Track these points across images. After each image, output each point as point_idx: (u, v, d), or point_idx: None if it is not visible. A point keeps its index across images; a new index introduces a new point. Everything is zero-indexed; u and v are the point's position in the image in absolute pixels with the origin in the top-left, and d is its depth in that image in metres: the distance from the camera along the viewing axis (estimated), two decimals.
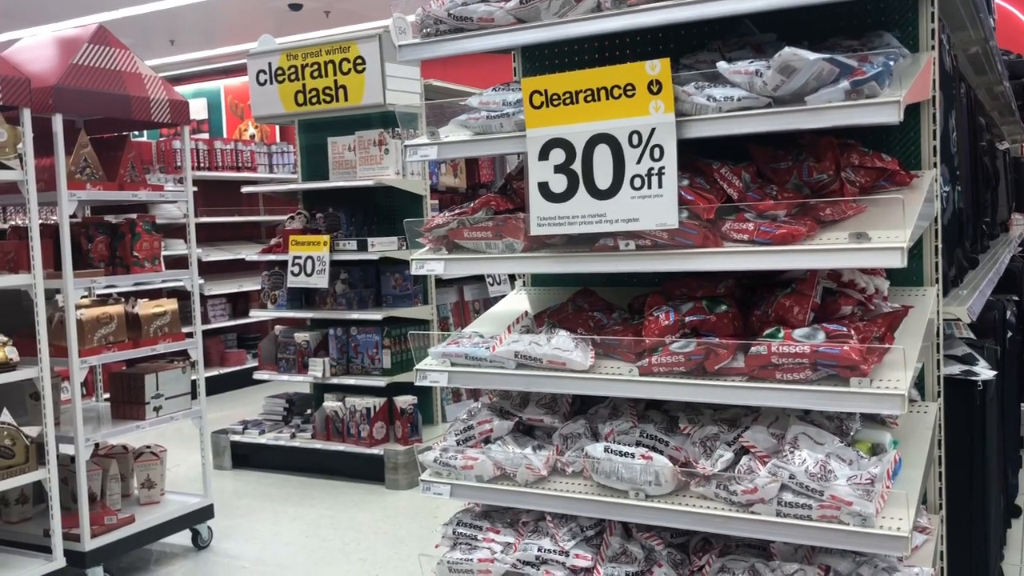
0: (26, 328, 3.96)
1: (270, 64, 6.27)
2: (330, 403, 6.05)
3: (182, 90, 11.34)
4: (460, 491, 2.69)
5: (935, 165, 2.62)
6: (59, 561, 3.96)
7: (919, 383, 2.71)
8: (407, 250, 5.76)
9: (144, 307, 4.49)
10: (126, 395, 4.53)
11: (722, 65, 2.24)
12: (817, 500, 2.15)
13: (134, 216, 4.55)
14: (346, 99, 6.00)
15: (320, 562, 4.62)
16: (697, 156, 2.47)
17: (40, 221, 3.91)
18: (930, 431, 2.55)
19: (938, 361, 2.71)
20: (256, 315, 6.73)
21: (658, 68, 2.24)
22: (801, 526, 2.18)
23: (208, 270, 8.94)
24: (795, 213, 2.31)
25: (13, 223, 7.34)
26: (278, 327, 6.59)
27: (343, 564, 4.58)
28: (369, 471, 5.82)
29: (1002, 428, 3.82)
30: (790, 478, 2.18)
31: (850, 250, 2.15)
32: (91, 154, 4.28)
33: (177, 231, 8.23)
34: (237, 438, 6.38)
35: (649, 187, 2.30)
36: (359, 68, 5.91)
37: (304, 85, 6.15)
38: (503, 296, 3.32)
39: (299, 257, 6.00)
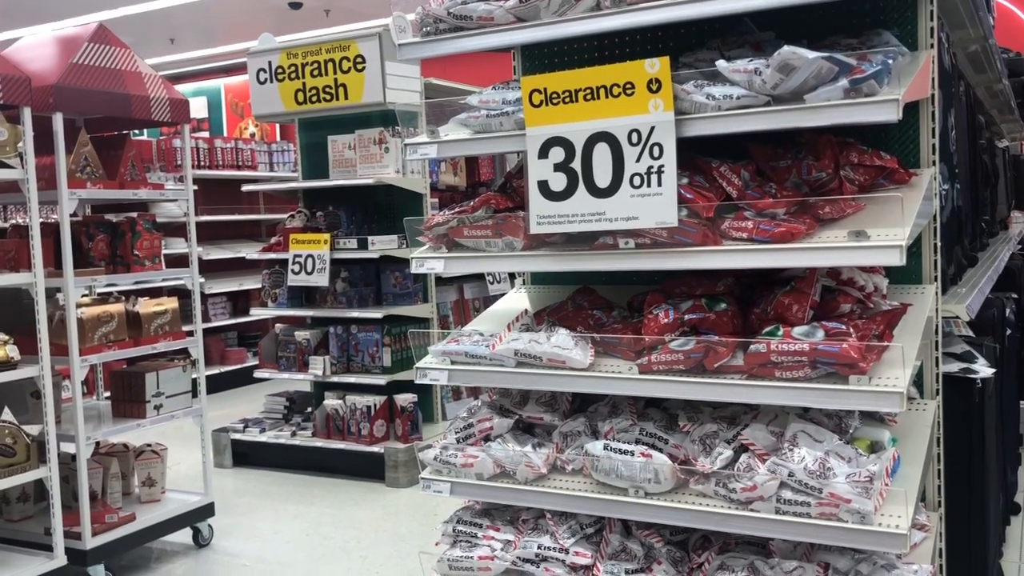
0: (27, 327, 3.96)
1: (270, 63, 6.27)
2: (330, 401, 6.06)
3: (182, 89, 11.32)
4: (460, 489, 2.70)
5: (934, 163, 2.62)
6: (60, 559, 3.97)
7: (918, 381, 2.72)
8: (407, 248, 5.80)
9: (145, 305, 4.49)
10: (127, 393, 4.54)
11: (721, 64, 2.25)
12: (816, 498, 2.15)
13: (134, 215, 4.55)
14: (346, 98, 6.00)
15: (320, 560, 4.63)
16: (696, 154, 2.48)
17: (41, 220, 3.91)
18: (929, 429, 2.56)
19: (937, 359, 2.72)
20: (256, 313, 6.74)
21: (657, 66, 2.24)
22: (800, 523, 2.18)
23: (209, 268, 8.94)
24: (794, 211, 2.31)
25: (14, 222, 7.35)
26: (278, 325, 6.59)
27: (343, 562, 4.59)
28: (369, 469, 5.83)
29: (1001, 426, 3.82)
30: (789, 476, 2.19)
31: (849, 248, 2.15)
32: (91, 153, 4.28)
33: (177, 230, 8.24)
34: (238, 436, 6.38)
35: (648, 185, 2.30)
36: (359, 67, 5.92)
37: (304, 84, 6.15)
38: (503, 294, 3.33)
39: (299, 255, 6.01)
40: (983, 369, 3.11)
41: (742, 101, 2.21)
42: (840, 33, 2.54)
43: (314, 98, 6.13)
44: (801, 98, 2.15)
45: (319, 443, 6.02)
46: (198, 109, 14.16)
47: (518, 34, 2.55)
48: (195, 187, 4.86)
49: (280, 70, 6.23)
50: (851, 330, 2.19)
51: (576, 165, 2.39)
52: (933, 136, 2.63)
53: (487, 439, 2.71)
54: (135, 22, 10.90)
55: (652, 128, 2.28)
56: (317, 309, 6.25)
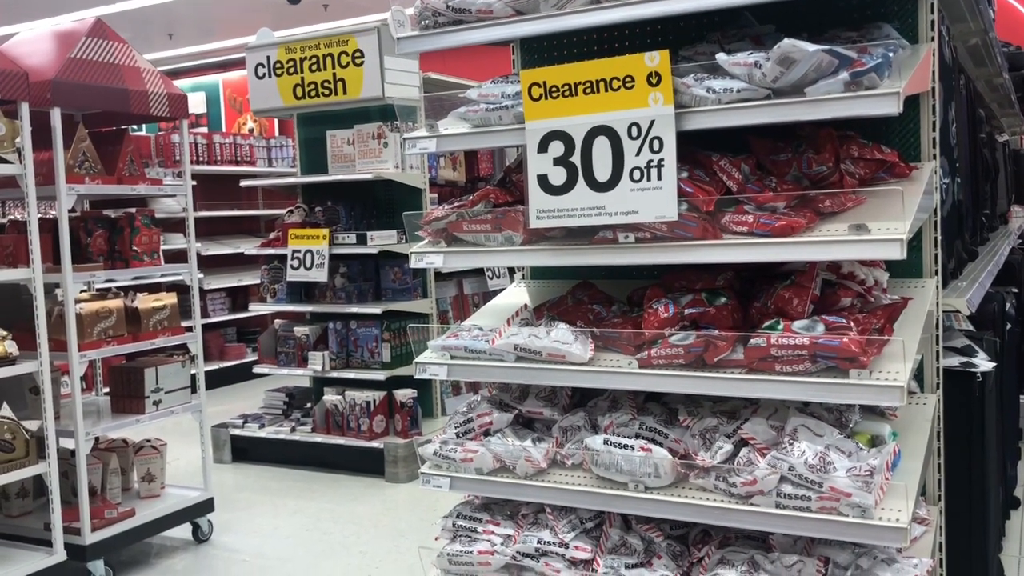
0: (25, 322, 3.96)
1: (268, 57, 6.25)
2: (330, 397, 6.06)
3: (181, 84, 11.29)
4: (460, 484, 2.70)
5: (935, 157, 2.62)
6: (60, 555, 3.97)
7: (918, 375, 2.72)
8: (406, 244, 5.80)
9: (143, 301, 4.49)
10: (126, 389, 4.53)
11: (721, 57, 2.24)
12: (816, 492, 2.15)
13: (133, 210, 4.54)
14: (345, 92, 5.99)
15: (320, 555, 4.63)
16: (696, 148, 2.47)
17: (39, 215, 3.91)
18: (929, 423, 2.56)
19: (937, 353, 2.71)
20: (255, 309, 6.74)
21: (657, 60, 2.24)
22: (800, 518, 2.18)
23: (207, 264, 8.93)
24: (794, 205, 2.31)
25: (12, 217, 7.33)
26: (278, 321, 6.59)
27: (343, 557, 4.59)
28: (369, 464, 5.83)
29: (1001, 420, 3.82)
30: (789, 470, 2.19)
31: (849, 242, 2.14)
32: (89, 148, 4.28)
33: (176, 225, 8.22)
34: (237, 432, 6.38)
35: (648, 179, 2.30)
36: (358, 61, 5.90)
37: (303, 78, 6.13)
38: (502, 290, 3.32)
39: (298, 251, 6.00)
40: (983, 363, 3.10)
41: (742, 94, 2.20)
42: (840, 26, 2.53)
43: (312, 93, 6.12)
44: (801, 91, 2.14)
45: (318, 439, 6.02)
46: (196, 104, 14.13)
47: (517, 27, 2.54)
48: (194, 183, 4.84)
49: (278, 65, 6.22)
50: (851, 324, 2.19)
51: (576, 159, 2.39)
52: (933, 130, 2.62)
53: (487, 434, 2.71)
54: (133, 17, 10.89)
55: (652, 122, 2.27)
56: (316, 304, 6.24)
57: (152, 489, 4.73)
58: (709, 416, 2.45)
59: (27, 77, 3.83)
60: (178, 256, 4.99)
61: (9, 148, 3.80)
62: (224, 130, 14.04)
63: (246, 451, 6.37)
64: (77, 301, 4.18)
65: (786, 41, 2.11)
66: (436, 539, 2.80)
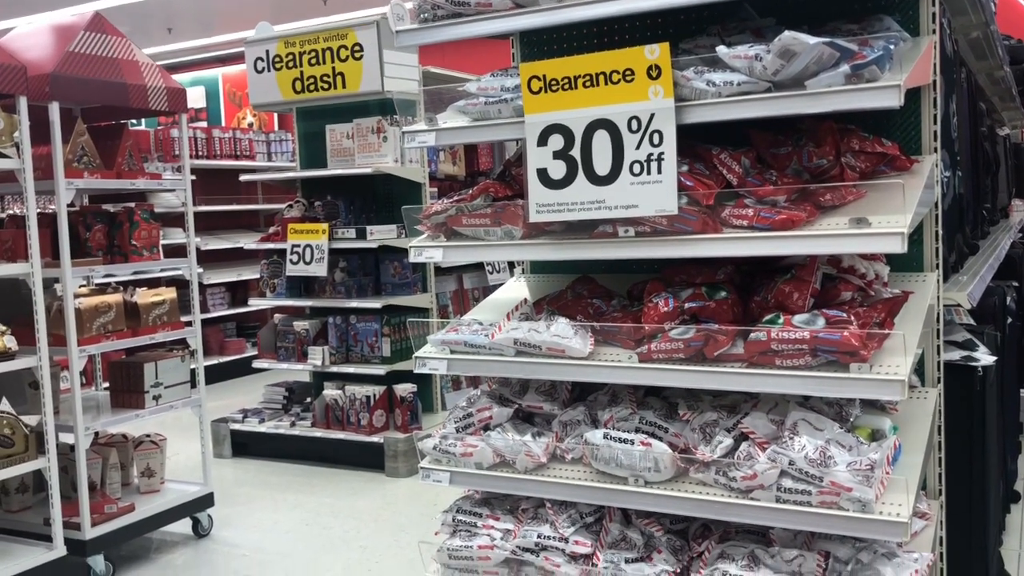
0: (25, 317, 3.95)
1: (268, 51, 6.24)
2: (330, 391, 6.05)
3: (180, 78, 11.26)
4: (460, 478, 2.69)
5: (936, 150, 2.61)
6: (60, 550, 3.97)
7: (919, 369, 2.71)
8: (406, 238, 5.78)
9: (143, 296, 4.48)
10: (125, 384, 4.53)
11: (721, 50, 2.23)
12: (817, 486, 2.15)
13: (132, 205, 4.54)
14: (344, 86, 5.98)
15: (320, 550, 4.63)
16: (696, 142, 2.46)
17: (38, 210, 3.90)
18: (930, 417, 2.55)
19: (938, 347, 2.71)
20: (255, 304, 6.73)
21: (657, 53, 2.23)
22: (801, 512, 2.17)
23: (207, 259, 8.93)
24: (795, 199, 2.30)
25: (11, 212, 7.33)
26: (277, 315, 6.58)
27: (343, 552, 4.59)
28: (369, 459, 5.83)
29: (1001, 414, 3.82)
30: (789, 464, 2.18)
31: (850, 235, 2.14)
32: (88, 142, 4.26)
33: (175, 220, 8.23)
34: (237, 427, 6.38)
35: (648, 173, 2.29)
36: (357, 55, 5.89)
37: (302, 72, 6.12)
38: (502, 284, 3.32)
39: (298, 245, 5.99)
40: (984, 357, 3.10)
41: (742, 87, 2.19)
42: (841, 19, 2.52)
43: (312, 87, 6.11)
44: (802, 84, 2.13)
45: (318, 433, 6.02)
46: (196, 99, 14.10)
47: (517, 20, 2.53)
48: (193, 177, 4.84)
49: (278, 59, 6.20)
50: (852, 318, 2.18)
51: (575, 153, 2.38)
52: (935, 123, 2.61)
53: (486, 428, 2.70)
54: (132, 11, 10.85)
55: (652, 115, 2.26)
56: (316, 299, 6.24)
57: (152, 484, 4.73)
58: (709, 410, 2.44)
59: (25, 71, 3.82)
60: (177, 251, 4.99)
61: (7, 142, 3.79)
62: (223, 125, 14.02)
63: (246, 446, 6.37)
64: (76, 296, 4.17)
65: (787, 34, 2.10)
66: (436, 534, 2.80)
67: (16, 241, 3.94)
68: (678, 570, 2.44)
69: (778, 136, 2.49)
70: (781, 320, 2.23)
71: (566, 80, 2.35)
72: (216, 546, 4.75)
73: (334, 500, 5.40)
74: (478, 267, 6.93)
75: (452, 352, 2.68)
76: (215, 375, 8.54)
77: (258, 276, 6.63)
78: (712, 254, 2.31)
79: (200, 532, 4.84)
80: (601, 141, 2.34)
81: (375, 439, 5.79)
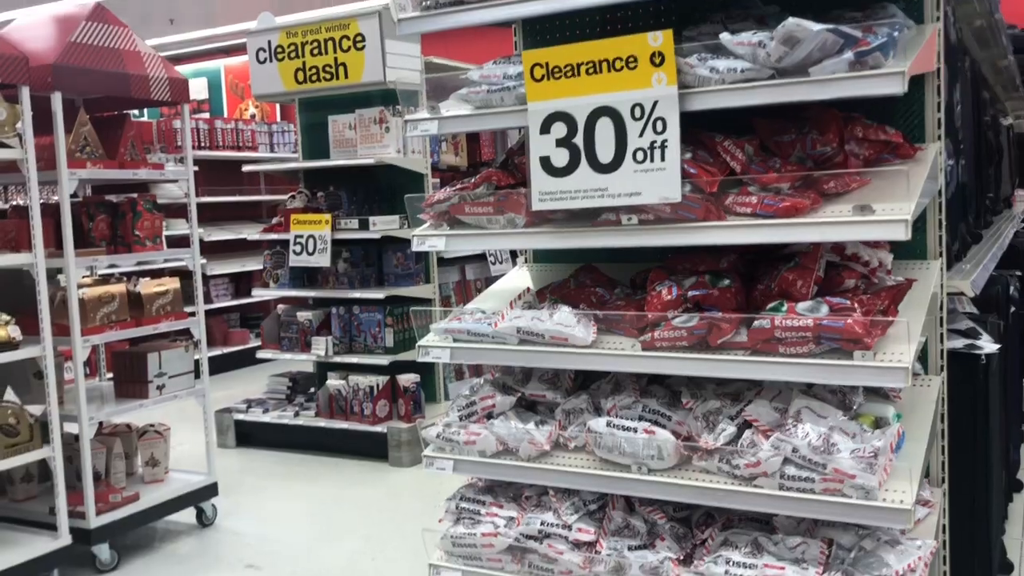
0: (29, 307, 3.96)
1: (270, 42, 6.23)
2: (333, 381, 6.06)
3: (182, 70, 11.24)
4: (463, 466, 2.70)
5: (939, 138, 2.60)
6: (65, 538, 3.99)
7: (922, 357, 2.71)
8: (409, 229, 5.76)
9: (146, 286, 4.49)
10: (129, 374, 4.54)
11: (725, 37, 2.22)
12: (820, 473, 2.15)
13: (135, 195, 4.53)
14: (346, 77, 5.97)
15: (324, 539, 4.64)
16: (700, 129, 2.45)
17: (41, 200, 3.90)
18: (933, 405, 2.55)
19: (941, 335, 2.70)
20: (258, 294, 6.74)
21: (661, 40, 2.22)
22: (804, 499, 2.18)
23: (210, 250, 8.93)
24: (798, 186, 2.29)
25: (14, 203, 7.33)
26: (281, 306, 6.59)
27: (347, 541, 4.60)
28: (372, 449, 5.84)
29: (1004, 403, 3.82)
30: (793, 452, 2.18)
31: (854, 223, 2.13)
32: (91, 133, 4.26)
33: (178, 211, 8.21)
34: (241, 417, 6.40)
35: (651, 160, 2.28)
36: (359, 45, 5.88)
37: (304, 63, 6.11)
38: (505, 275, 3.32)
39: (300, 236, 5.99)
40: (988, 345, 3.10)
41: (746, 74, 2.18)
42: (845, 6, 2.51)
43: (314, 77, 6.10)
44: (806, 71, 2.12)
45: (322, 423, 6.03)
46: (198, 90, 14.07)
47: (519, 7, 2.52)
48: (196, 168, 4.83)
49: (280, 49, 6.19)
50: (856, 305, 2.18)
51: (578, 140, 2.37)
52: (938, 111, 2.60)
53: (490, 416, 2.71)
54: (134, 2, 10.84)
55: (655, 102, 2.26)
56: (319, 290, 6.24)
57: (156, 474, 4.74)
58: (712, 398, 2.44)
59: (27, 61, 3.82)
60: (181, 242, 4.99)
61: (10, 133, 3.79)
62: (226, 116, 14.00)
63: (250, 436, 6.39)
64: (80, 286, 4.18)
65: (790, 20, 2.09)
66: (440, 521, 2.80)
67: (19, 231, 3.94)
68: (681, 557, 2.44)
69: (782, 124, 2.48)
70: (785, 308, 2.23)
71: (569, 67, 2.35)
72: (220, 535, 4.77)
73: (338, 489, 5.41)
74: (481, 258, 6.93)
75: (455, 341, 2.68)
76: (219, 366, 8.56)
77: (261, 267, 6.64)
78: (715, 242, 2.30)
79: (204, 522, 4.86)
80: (604, 128, 2.33)
81: (378, 429, 5.80)
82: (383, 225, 5.85)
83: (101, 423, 4.66)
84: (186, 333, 4.76)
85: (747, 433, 2.30)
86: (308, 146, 6.61)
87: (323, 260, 5.92)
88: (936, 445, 2.72)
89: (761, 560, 2.26)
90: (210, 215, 9.27)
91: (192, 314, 4.70)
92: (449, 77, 2.74)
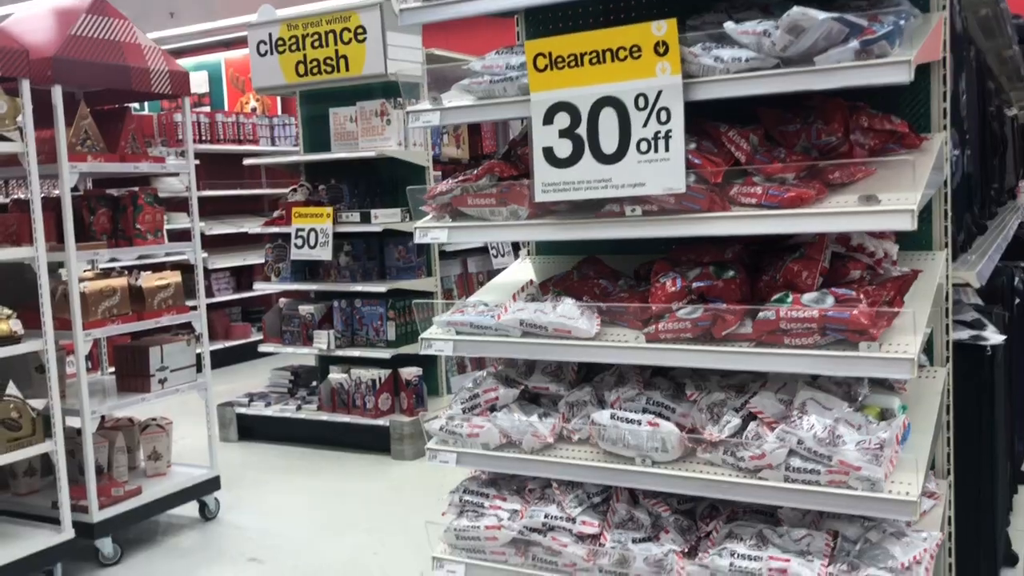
0: (30, 301, 3.95)
1: (270, 35, 6.21)
2: (335, 375, 6.06)
3: (183, 63, 11.22)
4: (466, 459, 2.69)
5: (945, 128, 2.58)
6: (68, 532, 3.99)
7: (928, 348, 2.70)
8: (410, 222, 5.77)
9: (148, 280, 4.47)
10: (131, 368, 4.53)
11: (729, 26, 2.20)
12: (825, 465, 2.14)
13: (136, 188, 4.52)
14: (347, 69, 5.95)
15: (326, 532, 4.64)
16: (704, 119, 2.44)
17: (42, 194, 3.89)
18: (939, 396, 2.54)
19: (947, 326, 2.69)
20: (260, 288, 6.73)
21: (664, 29, 2.20)
22: (809, 491, 2.16)
23: (211, 243, 8.92)
24: (804, 176, 2.28)
25: (15, 197, 7.32)
26: (282, 300, 6.58)
27: (350, 534, 4.60)
28: (375, 442, 5.83)
29: (1010, 394, 3.80)
30: (798, 443, 2.17)
31: (859, 213, 2.12)
32: (91, 126, 4.25)
33: (179, 205, 8.20)
34: (243, 410, 6.39)
35: (656, 151, 2.27)
36: (360, 37, 5.86)
37: (305, 55, 6.09)
38: (507, 268, 3.30)
39: (302, 229, 5.98)
40: (993, 336, 3.08)
41: (751, 64, 2.17)
42: None
43: (315, 70, 6.08)
44: (811, 60, 2.11)
45: (324, 416, 6.03)
46: (199, 84, 14.05)
47: None
48: (197, 162, 4.82)
49: (280, 42, 6.17)
50: (861, 296, 2.17)
51: (582, 131, 2.36)
52: (944, 100, 2.58)
53: (493, 409, 2.70)
54: None
55: (659, 92, 2.24)
56: (321, 283, 6.23)
57: (159, 467, 4.74)
58: (717, 390, 2.43)
59: (27, 54, 3.80)
60: (182, 236, 4.97)
61: (11, 126, 3.77)
62: (227, 109, 13.98)
63: (252, 429, 6.39)
64: (81, 280, 4.17)
65: (795, 9, 2.07)
66: (443, 514, 2.80)
67: (20, 225, 3.93)
68: (686, 549, 2.43)
69: (787, 113, 2.46)
70: (790, 299, 2.22)
71: (572, 57, 2.33)
72: (223, 529, 4.76)
73: (340, 483, 5.41)
74: (483, 251, 6.92)
75: (458, 333, 2.67)
76: (220, 359, 8.56)
77: (263, 260, 6.63)
78: (720, 233, 2.29)
79: (207, 515, 4.86)
80: (608, 119, 2.32)
81: (381, 422, 5.80)
82: (385, 218, 5.83)
83: (103, 417, 4.66)
84: (188, 327, 4.75)
85: (752, 425, 2.29)
86: (309, 139, 6.59)
87: (325, 253, 5.91)
88: (941, 437, 2.71)
89: (766, 552, 2.25)
90: (211, 209, 9.26)
91: (194, 308, 4.69)
92: (451, 68, 2.73)
